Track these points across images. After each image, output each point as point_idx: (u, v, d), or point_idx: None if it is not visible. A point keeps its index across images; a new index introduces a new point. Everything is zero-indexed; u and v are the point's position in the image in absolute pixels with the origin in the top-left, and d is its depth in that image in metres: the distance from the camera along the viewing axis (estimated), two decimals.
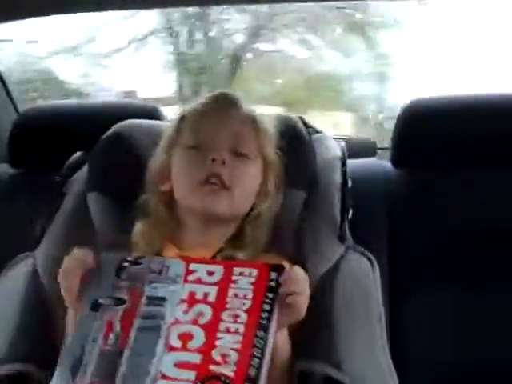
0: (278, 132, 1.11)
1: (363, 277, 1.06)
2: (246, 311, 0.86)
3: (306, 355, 0.97)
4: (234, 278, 0.89)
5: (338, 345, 0.98)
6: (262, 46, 2.68)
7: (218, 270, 0.90)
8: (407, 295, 1.25)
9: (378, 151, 1.68)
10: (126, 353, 0.85)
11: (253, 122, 1.07)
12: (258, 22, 2.50)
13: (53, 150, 1.43)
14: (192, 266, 0.91)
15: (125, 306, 0.89)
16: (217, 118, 1.06)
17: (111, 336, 0.87)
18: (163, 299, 0.89)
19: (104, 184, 1.17)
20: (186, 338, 0.85)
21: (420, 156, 1.38)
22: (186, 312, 0.87)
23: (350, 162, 1.24)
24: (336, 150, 1.19)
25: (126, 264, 0.92)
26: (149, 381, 0.82)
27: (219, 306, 0.87)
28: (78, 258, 0.92)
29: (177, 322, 0.86)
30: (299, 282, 0.89)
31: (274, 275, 0.88)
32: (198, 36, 2.68)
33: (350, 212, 1.11)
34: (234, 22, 2.55)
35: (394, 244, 1.28)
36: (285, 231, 1.10)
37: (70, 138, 1.39)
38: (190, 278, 0.90)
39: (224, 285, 0.88)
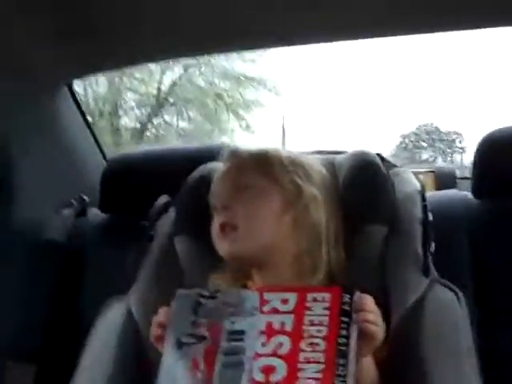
0: (354, 168, 1.12)
1: (451, 310, 1.04)
2: (324, 338, 0.86)
3: None
4: (307, 304, 0.89)
5: (431, 378, 0.96)
6: None
7: (292, 297, 0.90)
8: (496, 328, 1.23)
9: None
10: None
11: (259, 158, 1.09)
12: None
13: (141, 195, 1.46)
14: (266, 296, 0.91)
15: (206, 342, 0.90)
16: (223, 173, 1.11)
17: (198, 374, 0.89)
18: (242, 332, 0.89)
19: (190, 227, 1.20)
20: (268, 370, 0.86)
21: (501, 185, 1.37)
22: (264, 344, 0.88)
23: (431, 194, 1.24)
24: (415, 183, 1.19)
25: (202, 300, 0.94)
26: None
27: (297, 335, 0.87)
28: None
29: (257, 355, 0.87)
30: (371, 310, 0.90)
31: (346, 298, 0.88)
32: None
33: (433, 245, 1.10)
34: None
35: (479, 276, 1.26)
36: (367, 267, 1.11)
37: (157, 182, 1.43)
38: (265, 308, 0.91)
39: (299, 312, 0.88)
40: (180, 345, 0.92)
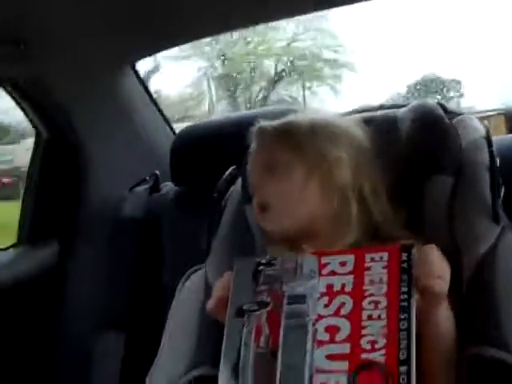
0: (415, 121, 1.11)
1: None
2: (385, 295, 0.87)
3: (474, 339, 0.96)
4: (366, 265, 0.90)
5: (505, 325, 0.96)
6: None
7: (349, 259, 0.91)
8: None
9: None
10: (279, 354, 0.88)
11: (282, 132, 1.10)
12: None
13: (212, 166, 1.50)
14: (324, 259, 0.93)
15: (268, 308, 0.92)
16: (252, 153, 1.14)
17: (262, 339, 0.90)
18: (304, 296, 0.90)
19: None
20: (332, 330, 0.87)
21: None
22: (327, 306, 0.89)
23: (500, 138, 1.21)
24: (480, 129, 1.17)
25: (261, 267, 0.95)
26: (307, 378, 0.85)
27: (358, 294, 0.88)
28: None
29: (320, 316, 0.88)
30: (431, 262, 0.89)
31: (404, 256, 0.88)
32: None
33: (502, 191, 1.09)
34: None
35: None
36: (435, 219, 1.10)
37: (226, 153, 1.41)
38: (324, 271, 0.92)
39: (359, 273, 0.89)
40: (242, 312, 0.93)
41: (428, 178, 1.12)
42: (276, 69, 6.30)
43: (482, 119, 1.28)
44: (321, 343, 0.86)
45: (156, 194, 1.74)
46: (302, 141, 1.08)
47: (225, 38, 5.35)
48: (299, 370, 0.86)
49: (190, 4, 1.45)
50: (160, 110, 1.95)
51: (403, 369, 0.81)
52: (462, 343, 0.96)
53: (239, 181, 1.27)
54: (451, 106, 1.25)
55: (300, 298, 0.91)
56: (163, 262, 1.62)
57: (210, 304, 1.00)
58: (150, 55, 1.87)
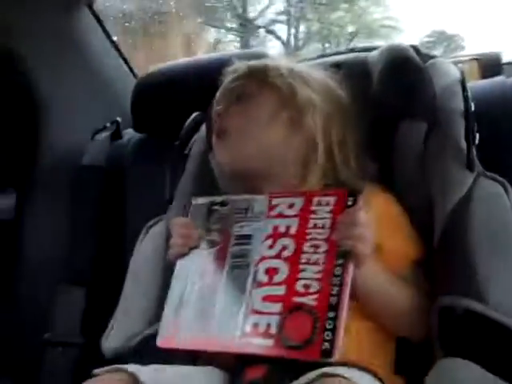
0: (386, 64, 1.07)
1: (498, 203, 1.00)
2: (326, 240, 0.87)
3: (446, 291, 0.94)
4: (313, 208, 0.90)
5: (479, 276, 0.93)
6: None
7: (298, 201, 0.91)
8: None
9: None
10: (220, 291, 0.91)
11: (257, 69, 1.06)
12: None
13: (174, 112, 1.44)
14: (274, 201, 0.94)
15: (217, 247, 0.94)
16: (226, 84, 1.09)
17: (206, 277, 0.93)
18: (250, 237, 0.92)
19: None
20: (271, 272, 0.89)
21: None
22: (271, 247, 0.90)
23: (475, 84, 1.17)
24: (455, 73, 1.12)
25: (215, 207, 0.97)
26: (241, 316, 0.87)
27: (301, 237, 0.89)
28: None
29: (263, 258, 0.90)
30: (356, 225, 0.87)
31: (350, 201, 0.88)
32: None
33: (477, 137, 1.04)
34: None
35: None
36: (408, 165, 1.07)
37: (190, 98, 1.38)
38: (272, 213, 0.93)
39: (304, 216, 0.90)
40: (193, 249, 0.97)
41: (399, 123, 1.08)
42: None
43: (455, 63, 1.23)
44: (260, 285, 0.89)
45: (118, 142, 1.67)
46: (276, 78, 1.04)
47: None
48: (235, 310, 0.89)
49: None
50: (122, 54, 1.86)
51: (331, 314, 0.82)
52: (435, 294, 0.95)
53: (203, 128, 1.22)
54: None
55: (246, 239, 0.93)
56: (126, 213, 1.56)
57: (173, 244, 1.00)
58: None
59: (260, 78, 1.04)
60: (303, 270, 0.86)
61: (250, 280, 0.89)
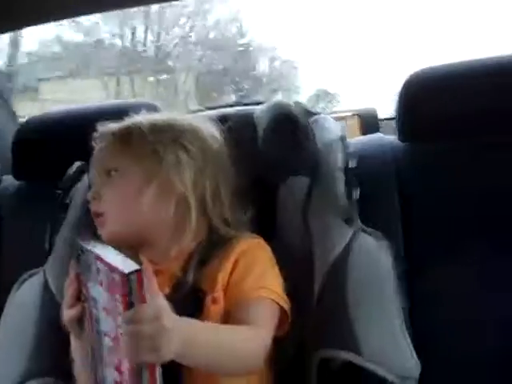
0: (271, 121, 1.09)
1: (374, 258, 1.04)
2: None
3: (324, 343, 0.97)
4: (109, 281, 0.80)
5: (355, 328, 0.96)
6: None
7: (104, 270, 0.81)
8: (423, 273, 1.16)
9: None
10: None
11: (122, 136, 1.04)
12: None
13: (53, 160, 1.41)
14: (99, 264, 0.83)
15: (85, 303, 0.89)
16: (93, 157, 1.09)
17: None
18: (96, 301, 0.85)
19: None
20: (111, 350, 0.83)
21: (428, 127, 1.29)
22: (106, 320, 0.83)
23: (356, 140, 1.21)
24: (336, 130, 1.16)
25: (79, 252, 0.89)
26: None
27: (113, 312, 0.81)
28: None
29: (104, 334, 0.84)
30: (141, 329, 0.78)
31: (129, 287, 0.77)
32: None
33: (357, 193, 1.08)
34: None
35: (407, 221, 1.20)
36: (290, 219, 1.09)
37: (69, 145, 1.32)
38: (100, 277, 0.83)
39: (111, 290, 0.80)
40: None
41: (283, 179, 1.10)
42: None
43: (338, 119, 1.28)
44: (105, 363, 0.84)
45: None
46: (140, 145, 1.02)
47: None
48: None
49: None
50: (5, 100, 1.81)
51: None
52: (311, 348, 0.97)
53: (86, 177, 1.20)
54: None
55: (95, 302, 0.85)
56: (1, 262, 1.49)
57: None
58: None
59: (126, 148, 1.02)
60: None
61: (103, 351, 0.84)
